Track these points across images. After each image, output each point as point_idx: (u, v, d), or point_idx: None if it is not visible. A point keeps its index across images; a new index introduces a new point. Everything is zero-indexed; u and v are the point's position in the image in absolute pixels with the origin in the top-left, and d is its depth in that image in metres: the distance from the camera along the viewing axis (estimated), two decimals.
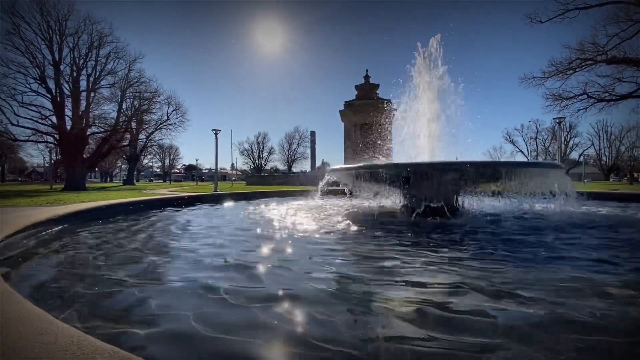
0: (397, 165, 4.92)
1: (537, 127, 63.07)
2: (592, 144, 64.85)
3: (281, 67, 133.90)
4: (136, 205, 7.21)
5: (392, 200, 7.14)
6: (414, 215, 5.22)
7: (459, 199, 5.55)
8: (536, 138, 64.41)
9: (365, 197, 8.21)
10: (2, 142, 30.20)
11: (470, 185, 5.04)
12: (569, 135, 63.77)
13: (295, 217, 5.91)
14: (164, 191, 19.36)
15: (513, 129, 66.08)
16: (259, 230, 4.62)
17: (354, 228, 4.68)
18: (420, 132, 7.14)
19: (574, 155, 66.11)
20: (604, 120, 61.79)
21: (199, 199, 9.84)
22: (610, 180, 60.50)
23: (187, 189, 21.12)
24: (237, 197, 11.26)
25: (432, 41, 7.07)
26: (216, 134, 19.25)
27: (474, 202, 5.92)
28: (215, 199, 10.24)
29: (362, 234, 4.32)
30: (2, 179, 56.73)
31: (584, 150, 65.45)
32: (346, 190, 6.32)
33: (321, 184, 6.37)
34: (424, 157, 7.04)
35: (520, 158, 64.73)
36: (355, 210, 6.84)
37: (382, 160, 5.26)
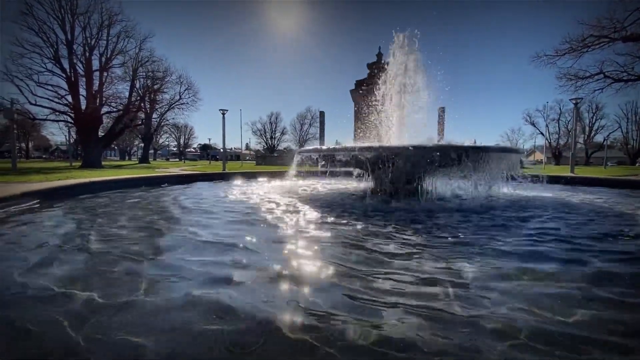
0: (352, 148, 5.06)
1: (560, 108, 59.86)
2: (620, 127, 61.43)
3: (294, 46, 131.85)
4: (126, 182, 7.75)
5: (367, 182, 7.29)
6: (377, 196, 5.40)
7: (422, 181, 5.65)
8: (559, 119, 61.32)
9: (343, 178, 8.43)
10: (23, 121, 31.56)
11: (432, 168, 5.12)
12: (594, 117, 60.54)
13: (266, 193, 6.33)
14: (176, 169, 20.09)
15: (534, 110, 63.15)
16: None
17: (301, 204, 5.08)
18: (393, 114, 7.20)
19: (599, 138, 63.01)
20: (634, 102, 58.16)
21: (195, 177, 10.30)
22: (637, 165, 57.56)
23: (198, 168, 21.86)
24: (238, 176, 11.73)
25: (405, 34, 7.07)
26: (223, 114, 19.82)
27: (435, 185, 6.01)
28: (209, 178, 10.70)
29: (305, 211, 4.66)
30: (27, 156, 59.72)
31: (610, 133, 62.05)
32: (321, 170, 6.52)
33: (293, 166, 6.61)
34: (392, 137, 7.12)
35: (539, 140, 62.26)
36: (322, 191, 7.17)
37: (352, 144, 5.42)
